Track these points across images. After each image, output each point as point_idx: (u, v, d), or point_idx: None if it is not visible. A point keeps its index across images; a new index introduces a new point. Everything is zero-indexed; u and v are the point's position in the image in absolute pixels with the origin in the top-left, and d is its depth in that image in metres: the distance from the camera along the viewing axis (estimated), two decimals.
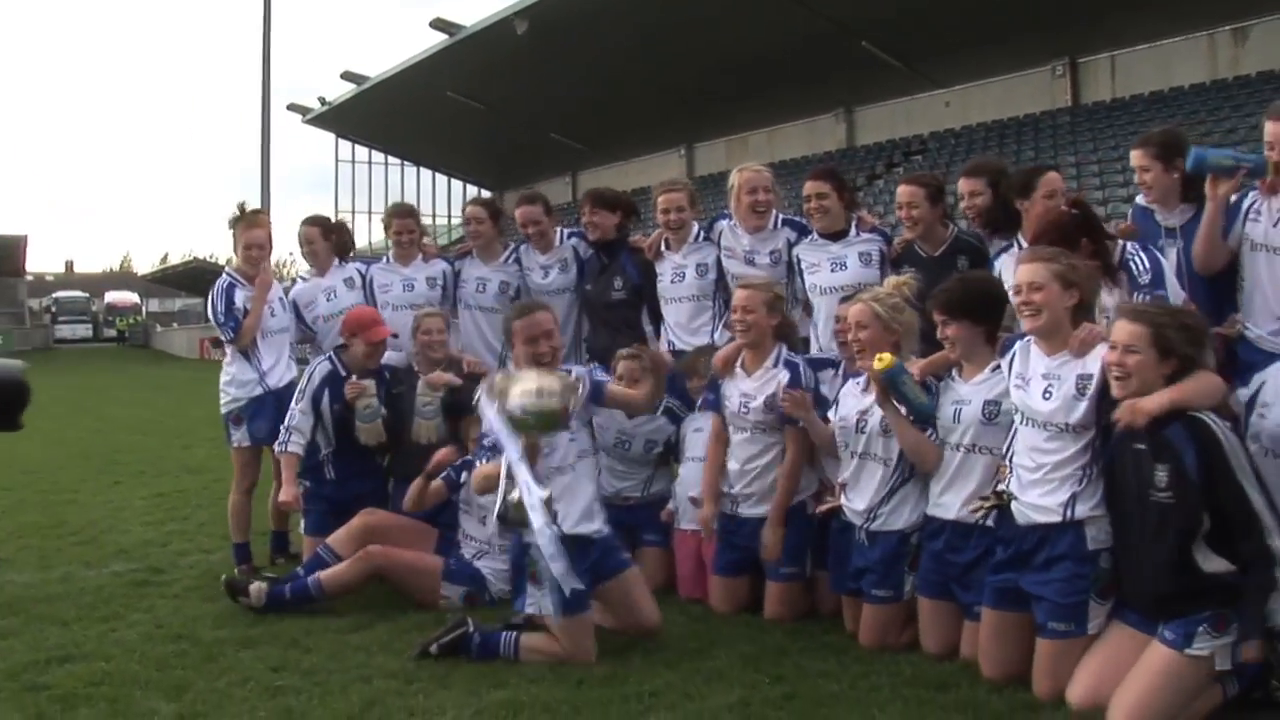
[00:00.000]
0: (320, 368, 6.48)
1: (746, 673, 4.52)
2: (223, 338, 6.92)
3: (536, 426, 4.63)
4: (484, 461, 5.17)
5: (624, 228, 6.76)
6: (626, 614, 5.02)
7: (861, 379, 5.05)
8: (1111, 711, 3.82)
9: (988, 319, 4.64)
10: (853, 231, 5.93)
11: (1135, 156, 5.10)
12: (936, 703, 4.13)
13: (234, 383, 6.77)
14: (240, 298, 6.75)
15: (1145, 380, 3.90)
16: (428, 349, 6.50)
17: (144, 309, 72.48)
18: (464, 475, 5.75)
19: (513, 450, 4.64)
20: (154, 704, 4.30)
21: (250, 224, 6.88)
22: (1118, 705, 3.81)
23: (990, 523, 4.49)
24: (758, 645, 4.91)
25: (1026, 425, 4.29)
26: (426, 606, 5.60)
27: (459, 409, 6.22)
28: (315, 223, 7.21)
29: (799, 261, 6.04)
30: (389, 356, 6.73)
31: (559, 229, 7.03)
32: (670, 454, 6.24)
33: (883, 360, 4.65)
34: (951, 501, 4.66)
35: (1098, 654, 4.06)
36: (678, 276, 6.37)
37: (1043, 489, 4.18)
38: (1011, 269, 4.77)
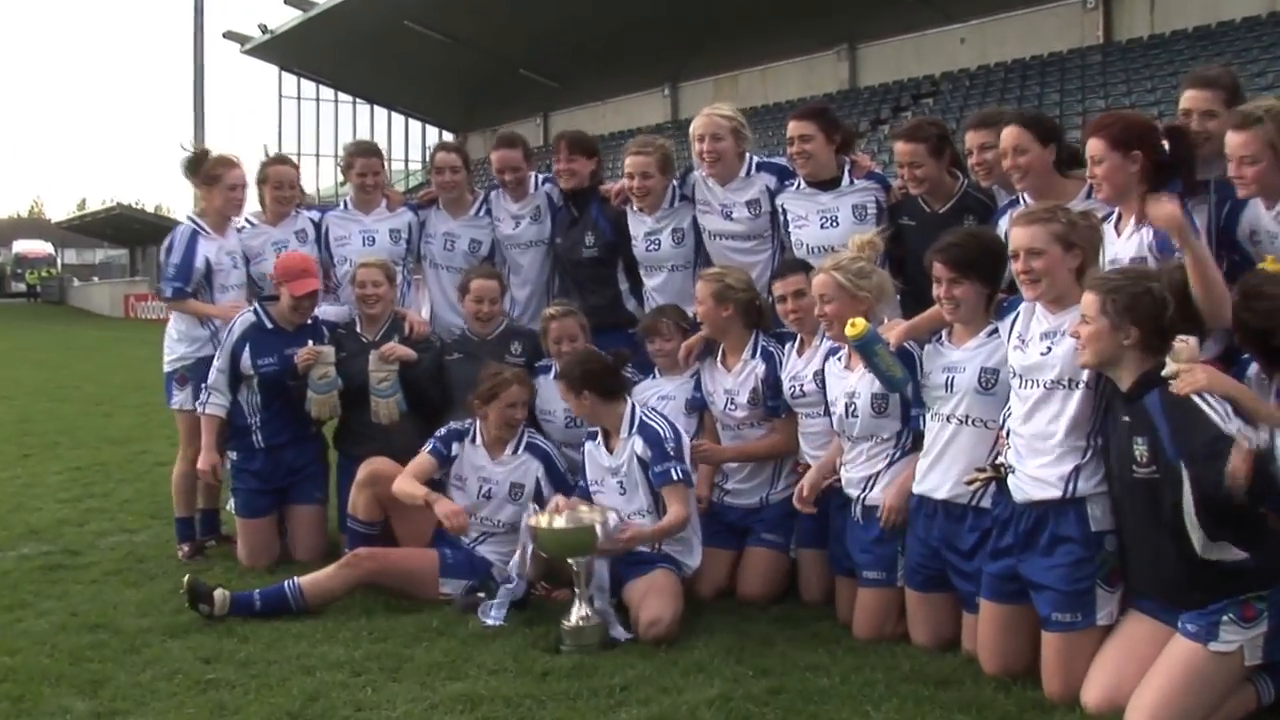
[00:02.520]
0: (242, 319, 6.41)
1: (728, 665, 4.56)
2: (161, 291, 6.73)
3: (572, 550, 5.08)
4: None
5: (597, 175, 6.68)
6: (635, 609, 5.09)
7: (842, 355, 5.15)
8: (1130, 712, 3.82)
9: (994, 280, 4.66)
10: (846, 179, 5.80)
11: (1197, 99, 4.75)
12: (937, 700, 4.16)
13: (181, 338, 6.63)
14: (205, 251, 6.57)
15: (1101, 350, 3.95)
16: (364, 303, 6.45)
17: (59, 261, 71.88)
18: (454, 448, 5.79)
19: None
20: (66, 701, 4.28)
21: (228, 164, 6.67)
22: (1137, 706, 3.81)
23: (986, 502, 4.53)
24: (741, 635, 4.95)
25: (1026, 387, 4.28)
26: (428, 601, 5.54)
27: (417, 383, 6.27)
28: (291, 164, 7.14)
29: (784, 212, 5.93)
30: (335, 314, 6.71)
31: (534, 174, 6.90)
32: None
33: (855, 326, 4.67)
34: (939, 481, 4.67)
35: (1113, 648, 4.07)
36: (652, 244, 6.26)
37: (1043, 459, 4.18)
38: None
